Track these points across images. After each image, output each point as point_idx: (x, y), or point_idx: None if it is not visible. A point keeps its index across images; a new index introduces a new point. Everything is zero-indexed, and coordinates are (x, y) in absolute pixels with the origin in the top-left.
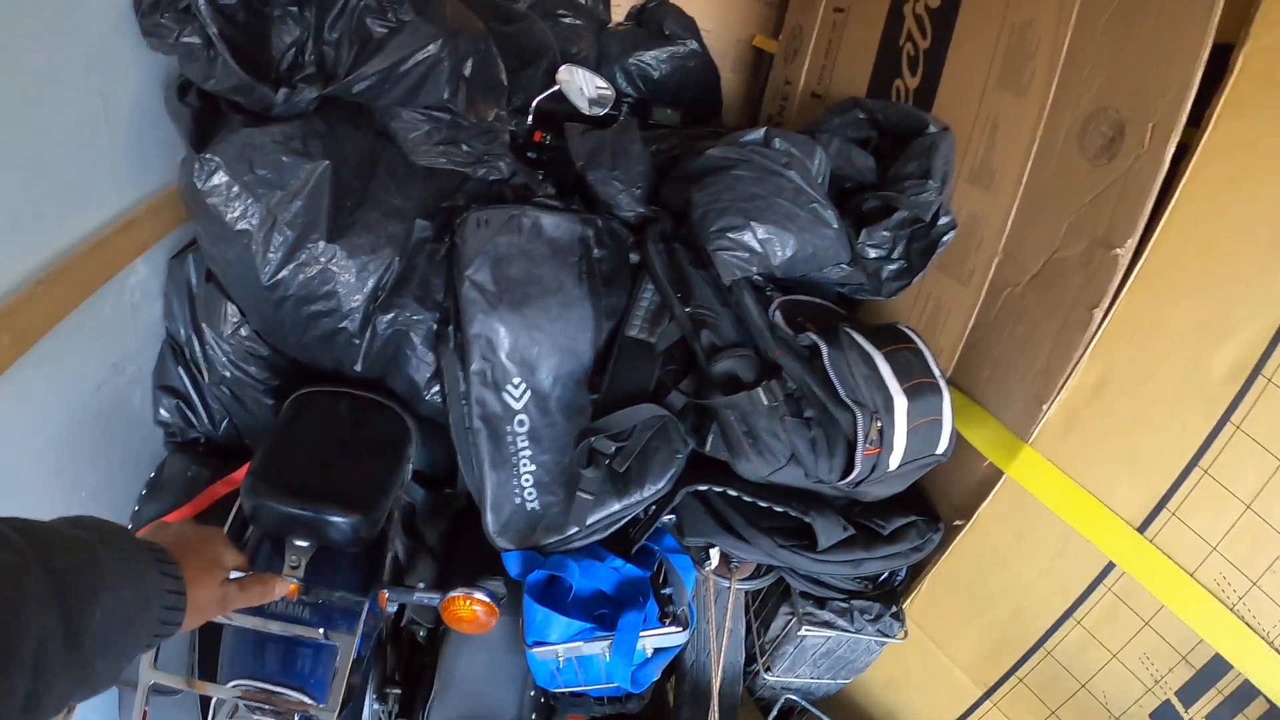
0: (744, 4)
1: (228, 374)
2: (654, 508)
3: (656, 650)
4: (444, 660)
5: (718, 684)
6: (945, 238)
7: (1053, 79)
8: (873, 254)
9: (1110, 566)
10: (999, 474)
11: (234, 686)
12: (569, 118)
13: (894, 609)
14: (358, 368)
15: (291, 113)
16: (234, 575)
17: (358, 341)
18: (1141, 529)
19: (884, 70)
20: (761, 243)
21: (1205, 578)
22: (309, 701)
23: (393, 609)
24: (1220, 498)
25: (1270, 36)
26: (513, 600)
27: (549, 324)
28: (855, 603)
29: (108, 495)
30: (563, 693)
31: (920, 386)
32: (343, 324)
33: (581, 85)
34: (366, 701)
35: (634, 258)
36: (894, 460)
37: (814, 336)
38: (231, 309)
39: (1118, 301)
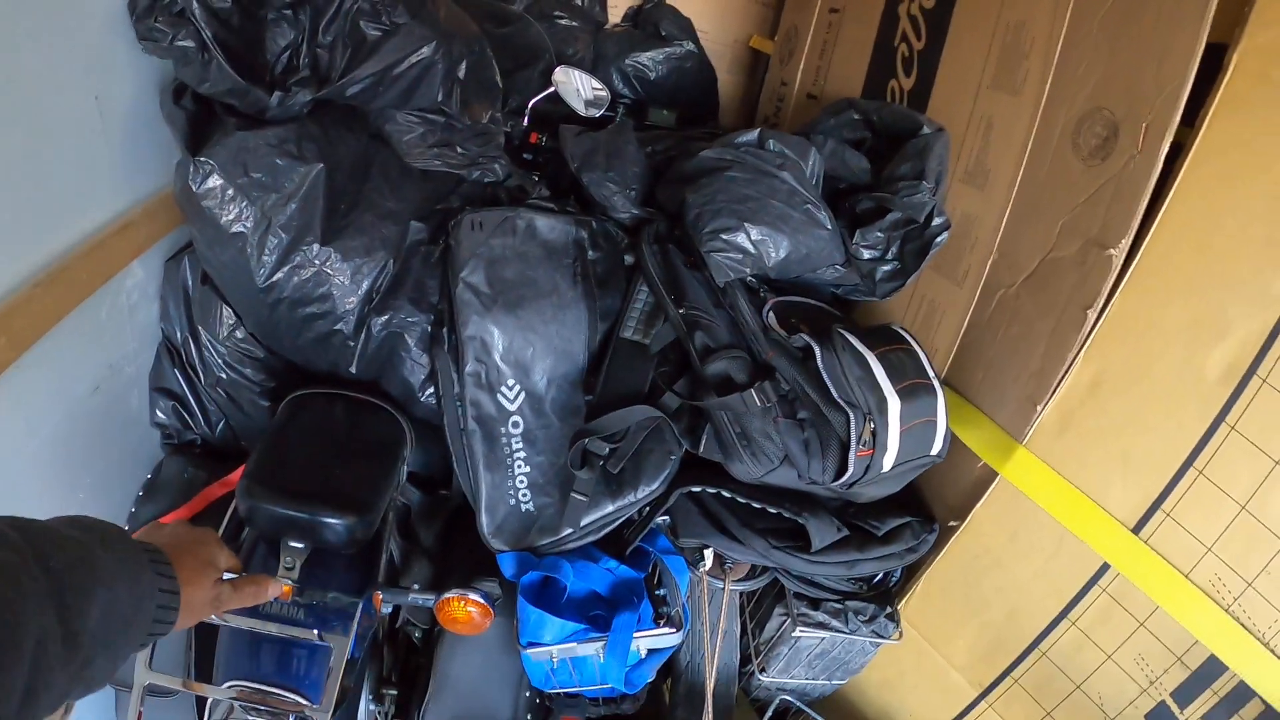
0: (741, 5)
1: (224, 376)
2: (648, 509)
3: (651, 651)
4: (439, 661)
5: (712, 685)
6: (939, 238)
7: (1047, 79)
8: (867, 255)
9: (1105, 567)
10: (993, 475)
11: (229, 687)
12: (566, 119)
13: (889, 610)
14: (353, 370)
15: (286, 116)
16: (227, 576)
17: (352, 343)
18: (1136, 530)
19: (879, 71)
20: (755, 244)
21: (1200, 579)
22: (303, 702)
23: (388, 610)
24: (1215, 498)
25: (1265, 35)
26: (507, 601)
27: (543, 326)
28: (850, 604)
29: (105, 496)
30: (558, 693)
31: (914, 387)
32: (337, 326)
33: (578, 87)
34: (362, 702)
35: (629, 259)
36: (887, 461)
37: (807, 338)
38: (227, 311)
39: (1112, 302)
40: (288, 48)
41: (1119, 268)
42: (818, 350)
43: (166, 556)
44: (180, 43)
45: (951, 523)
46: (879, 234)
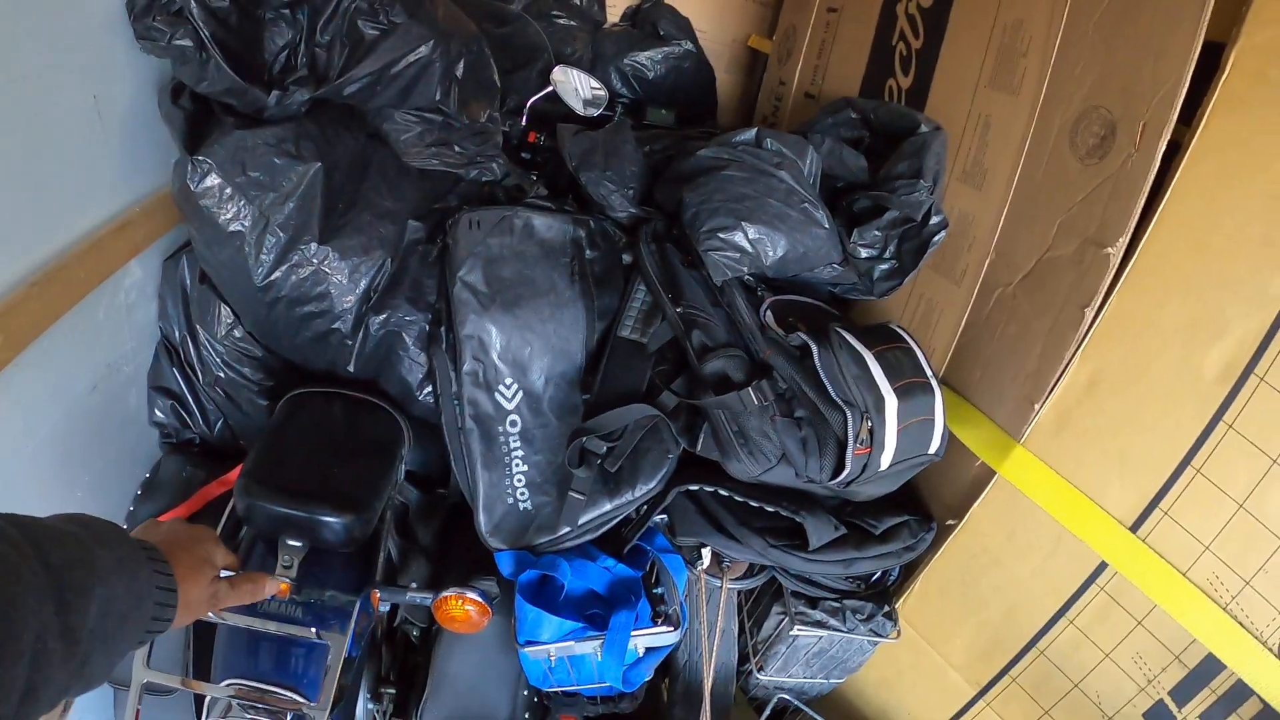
0: (739, 4)
1: (222, 375)
2: (646, 507)
3: (648, 650)
4: (437, 660)
5: (710, 684)
6: (937, 237)
7: (1044, 78)
8: (864, 254)
9: (1103, 566)
10: (991, 473)
11: (227, 685)
12: (564, 119)
13: (886, 608)
14: (351, 369)
15: (283, 115)
16: (225, 574)
17: (350, 342)
18: (1134, 528)
19: (877, 70)
20: (753, 243)
21: (1198, 577)
22: (301, 700)
23: (385, 609)
24: (1213, 497)
25: (1262, 35)
26: (505, 600)
27: (541, 325)
28: (848, 602)
29: (103, 495)
30: (555, 692)
31: (911, 386)
32: (335, 325)
33: (576, 86)
34: (360, 701)
35: (627, 258)
36: (885, 460)
37: (805, 336)
38: (225, 310)
39: (1109, 301)
40: (285, 47)
41: (1116, 267)
42: (815, 349)
43: (164, 554)
44: (178, 42)
45: (949, 521)
46: (876, 233)
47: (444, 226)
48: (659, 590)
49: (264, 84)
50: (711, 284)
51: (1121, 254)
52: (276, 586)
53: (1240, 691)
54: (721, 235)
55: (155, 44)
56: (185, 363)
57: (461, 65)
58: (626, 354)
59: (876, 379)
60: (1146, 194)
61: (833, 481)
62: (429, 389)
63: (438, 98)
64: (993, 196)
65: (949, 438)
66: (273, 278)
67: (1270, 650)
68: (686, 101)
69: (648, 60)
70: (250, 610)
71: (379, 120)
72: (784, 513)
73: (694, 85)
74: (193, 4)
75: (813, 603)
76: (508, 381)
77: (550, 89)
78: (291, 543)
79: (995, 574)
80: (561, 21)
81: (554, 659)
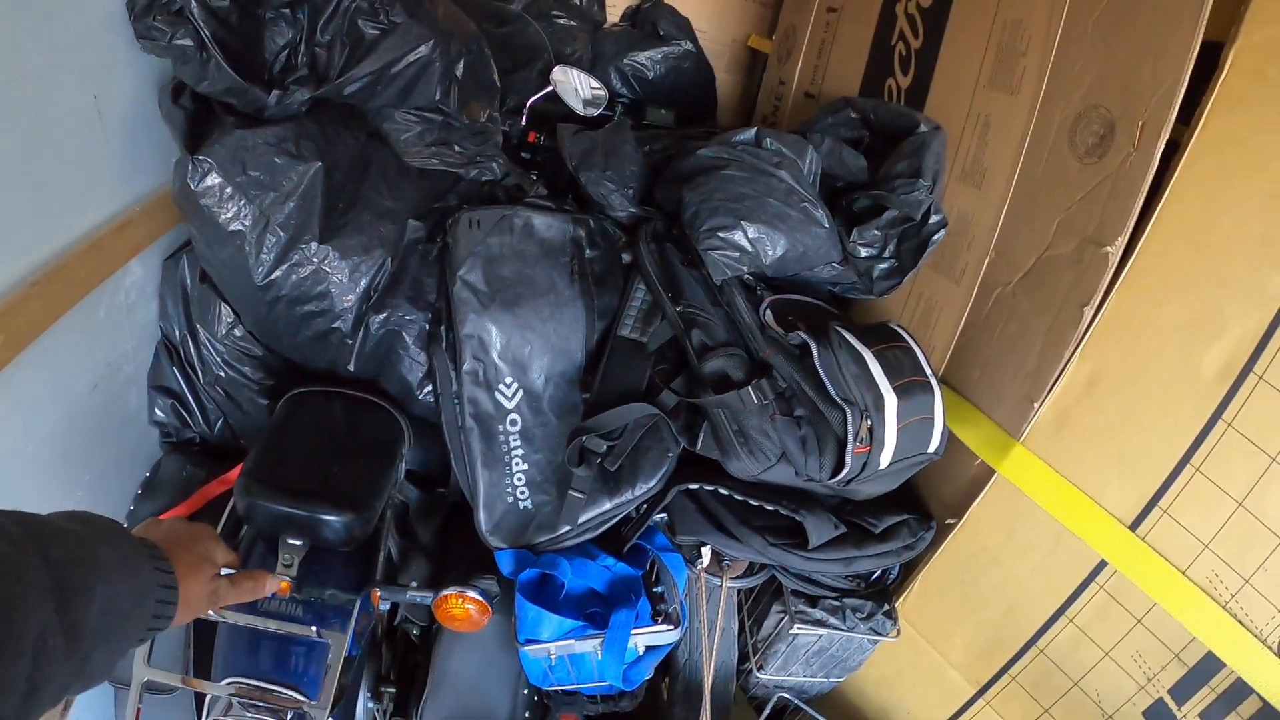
0: (739, 4)
1: (222, 374)
2: (645, 506)
3: (648, 648)
4: (437, 659)
5: (710, 683)
6: (936, 236)
7: (1043, 77)
8: (864, 253)
9: (1102, 564)
10: (990, 472)
11: (228, 684)
12: (564, 118)
13: (886, 607)
14: (351, 368)
15: (284, 114)
16: (225, 572)
17: (350, 342)
18: (1133, 527)
19: (876, 70)
20: (752, 242)
21: (1197, 575)
22: (302, 699)
23: (386, 607)
24: (1212, 495)
25: (1261, 34)
26: (505, 599)
27: (541, 324)
28: (847, 601)
29: (103, 495)
30: (555, 691)
31: (910, 385)
32: (335, 324)
33: (576, 86)
34: (360, 700)
35: (626, 258)
36: (884, 458)
37: (804, 335)
38: (226, 310)
39: (1108, 300)
40: (286, 46)
41: (1115, 265)
42: (815, 348)
43: (164, 551)
44: (179, 41)
45: (949, 520)
46: (876, 232)
47: (444, 226)
48: (659, 589)
49: (264, 83)
50: (711, 283)
51: (1120, 253)
52: (277, 584)
53: (1239, 690)
54: (721, 234)
55: (156, 43)
56: (185, 362)
57: (461, 65)
58: (626, 353)
59: (876, 378)
60: (1145, 193)
61: (832, 480)
62: (429, 388)
63: (438, 97)
64: (992, 196)
65: (948, 436)
66: (273, 277)
67: (1269, 648)
68: (686, 101)
69: (647, 60)
70: (251, 608)
71: (379, 120)
72: (784, 511)
73: (694, 85)
74: (193, 3)
75: (812, 601)
76: (508, 380)
77: (550, 89)
78: (292, 541)
79: (995, 573)
80: (561, 21)
81: (554, 657)
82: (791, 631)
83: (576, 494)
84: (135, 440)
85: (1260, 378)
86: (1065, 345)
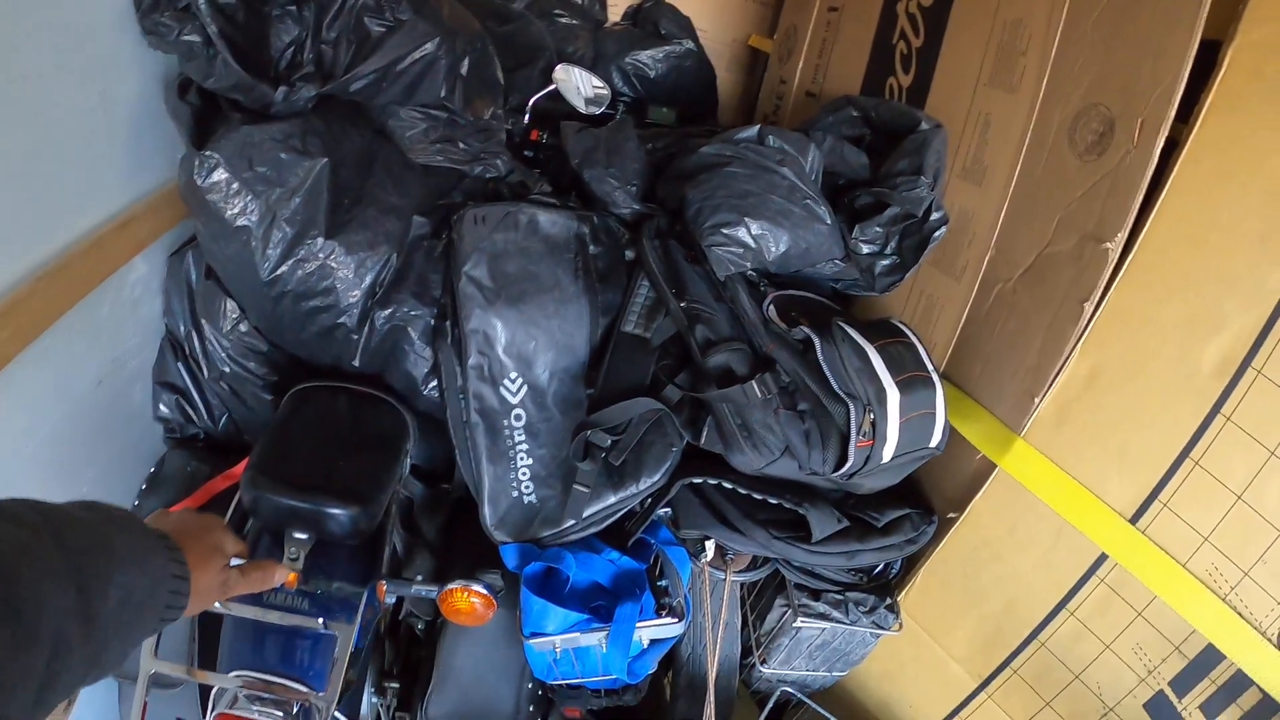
0: (740, 4)
1: (227, 370)
2: (650, 500)
3: (653, 642)
4: (442, 653)
5: (714, 676)
6: (937, 233)
7: (1043, 76)
8: (866, 250)
9: (1103, 558)
10: (992, 467)
11: (234, 676)
12: (566, 117)
13: (888, 601)
14: (356, 363)
15: (290, 111)
16: (235, 562)
17: (356, 337)
18: (1134, 520)
19: (877, 68)
20: (755, 239)
21: (1197, 568)
22: (307, 691)
23: (391, 601)
24: (1211, 489)
25: (1259, 32)
26: (510, 593)
27: (545, 320)
28: (850, 595)
29: (107, 490)
30: (560, 684)
31: (912, 380)
32: (341, 319)
33: (578, 84)
34: (365, 695)
35: (629, 254)
36: (887, 452)
37: (807, 330)
38: (231, 305)
39: (1108, 296)
40: (292, 43)
41: (1115, 262)
42: (818, 342)
43: (176, 541)
44: (186, 37)
45: (950, 514)
46: (878, 229)
47: (449, 222)
48: (663, 583)
49: (271, 80)
50: (715, 279)
51: (1120, 249)
52: (286, 575)
53: (1240, 681)
54: (725, 231)
55: (162, 39)
56: (190, 358)
57: (466, 62)
58: (630, 348)
59: (878, 372)
60: (1145, 190)
61: (835, 474)
62: (434, 383)
63: (443, 94)
64: (992, 193)
65: (950, 431)
66: (279, 272)
67: (1269, 640)
68: (688, 100)
69: (649, 59)
70: (257, 600)
71: (385, 116)
72: (787, 505)
73: (695, 84)
74: (200, 0)
75: (815, 595)
76: (513, 376)
77: (552, 87)
78: (298, 535)
79: (996, 566)
80: (563, 20)
81: (559, 651)
82: (795, 625)
83: (581, 488)
84: (139, 436)
85: (1259, 372)
86: (1066, 341)
